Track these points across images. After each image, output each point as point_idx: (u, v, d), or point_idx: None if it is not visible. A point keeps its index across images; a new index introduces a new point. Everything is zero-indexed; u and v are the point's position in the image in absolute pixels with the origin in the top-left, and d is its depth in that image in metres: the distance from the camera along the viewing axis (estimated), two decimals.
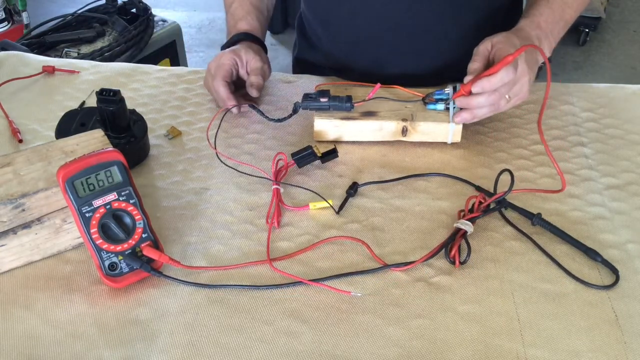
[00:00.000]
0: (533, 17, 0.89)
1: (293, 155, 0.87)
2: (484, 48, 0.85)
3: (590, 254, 0.74)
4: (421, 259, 0.72)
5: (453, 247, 0.72)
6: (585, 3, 0.94)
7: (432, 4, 0.97)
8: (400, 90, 0.94)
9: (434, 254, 0.73)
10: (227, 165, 0.87)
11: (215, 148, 0.89)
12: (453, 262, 0.72)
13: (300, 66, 1.18)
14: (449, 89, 0.91)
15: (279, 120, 0.92)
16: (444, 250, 0.74)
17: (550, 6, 0.90)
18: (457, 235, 0.74)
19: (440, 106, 0.90)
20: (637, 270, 0.73)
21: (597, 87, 1.05)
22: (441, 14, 0.98)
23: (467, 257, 0.73)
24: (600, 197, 0.83)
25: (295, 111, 0.91)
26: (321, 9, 1.08)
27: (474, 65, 0.84)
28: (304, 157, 0.87)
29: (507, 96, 0.83)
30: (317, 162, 0.88)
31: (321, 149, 0.88)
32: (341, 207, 0.81)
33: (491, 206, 0.78)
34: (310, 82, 1.05)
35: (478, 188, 0.83)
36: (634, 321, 0.67)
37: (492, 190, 0.81)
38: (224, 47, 0.99)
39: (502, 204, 0.79)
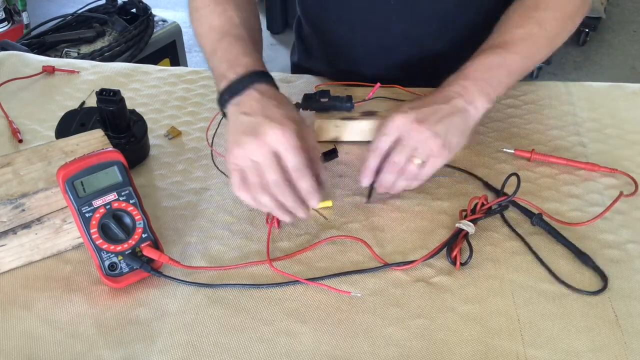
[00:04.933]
0: (460, 71, 0.78)
1: None
2: None
3: (583, 258, 0.73)
4: (422, 259, 0.72)
5: (455, 248, 0.72)
6: (548, 52, 0.82)
7: (434, 21, 0.96)
8: (400, 90, 0.94)
9: (434, 253, 0.73)
10: (219, 170, 0.87)
11: (212, 146, 0.88)
12: (454, 263, 0.72)
13: (299, 73, 1.17)
14: None
15: None
16: (445, 250, 0.73)
17: (485, 54, 0.78)
18: (459, 236, 0.73)
19: None
20: (637, 270, 0.73)
21: (597, 87, 1.05)
22: (441, 28, 0.97)
23: (468, 258, 0.72)
24: (601, 197, 0.83)
25: None
26: (321, 30, 1.06)
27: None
28: None
29: (416, 161, 0.73)
30: None
31: (321, 149, 0.88)
32: (369, 196, 0.81)
33: (493, 207, 0.78)
34: (310, 82, 1.05)
35: (486, 184, 0.83)
36: (634, 321, 0.67)
37: (495, 189, 0.81)
38: (225, 93, 0.73)
39: (505, 206, 0.78)
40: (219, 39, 0.77)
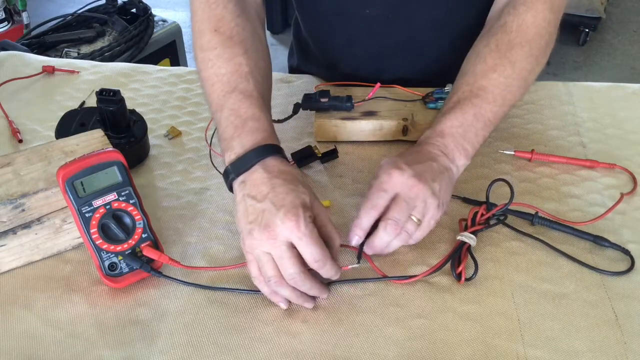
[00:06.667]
0: (435, 126, 0.75)
1: (293, 155, 0.87)
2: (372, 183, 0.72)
3: (598, 241, 0.75)
4: (423, 274, 0.71)
5: (460, 265, 0.70)
6: (521, 93, 0.79)
7: (430, 30, 0.96)
8: (400, 90, 0.94)
9: (437, 268, 0.71)
10: (218, 170, 0.86)
11: (211, 146, 0.88)
12: (459, 278, 0.70)
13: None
14: (448, 88, 0.91)
15: (280, 121, 0.92)
16: (449, 264, 0.72)
17: (461, 107, 0.75)
18: (463, 249, 0.72)
19: (441, 104, 0.90)
20: (637, 270, 0.73)
21: (597, 87, 1.05)
22: (438, 34, 0.97)
23: (473, 274, 0.71)
24: (600, 197, 0.83)
25: (295, 112, 0.91)
26: (319, 39, 1.06)
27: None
28: (304, 157, 0.87)
29: (414, 218, 0.69)
30: (317, 162, 0.88)
31: (321, 149, 0.88)
32: (359, 257, 0.71)
33: (492, 217, 0.77)
34: (310, 82, 1.05)
35: (465, 200, 0.81)
36: (634, 321, 0.67)
37: (477, 199, 0.80)
38: (230, 172, 0.69)
39: (504, 216, 0.78)
40: (226, 94, 0.73)
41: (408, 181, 0.68)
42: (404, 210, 0.68)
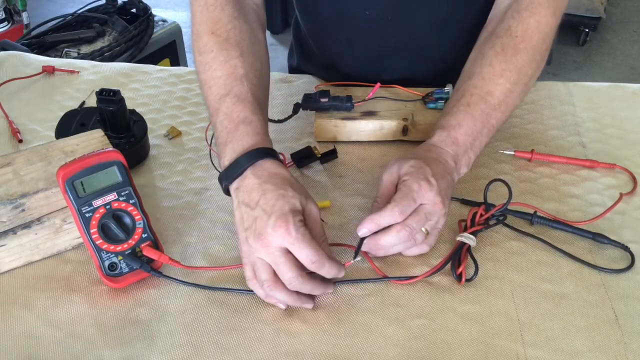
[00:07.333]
0: (450, 130, 0.75)
1: (293, 155, 0.87)
2: (389, 181, 0.72)
3: (598, 238, 0.75)
4: (423, 275, 0.71)
5: (460, 265, 0.70)
6: (522, 98, 0.81)
7: (430, 30, 0.96)
8: (400, 90, 0.94)
9: (438, 269, 0.71)
10: (217, 170, 0.87)
11: (211, 146, 0.88)
12: (459, 279, 0.70)
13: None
14: (448, 88, 0.91)
15: (279, 121, 0.92)
16: (450, 265, 0.72)
17: (472, 113, 0.76)
18: (463, 250, 0.72)
19: (441, 105, 0.90)
20: (637, 270, 0.73)
21: (597, 87, 1.05)
22: (438, 35, 0.96)
23: (474, 275, 0.71)
24: (601, 197, 0.83)
25: (295, 112, 0.91)
26: (319, 41, 1.05)
27: (375, 208, 0.71)
28: (304, 157, 0.87)
29: (423, 230, 0.70)
30: (317, 162, 0.88)
31: (321, 149, 0.88)
32: (357, 252, 0.70)
33: (492, 218, 0.77)
34: (310, 82, 1.05)
35: (463, 201, 0.81)
36: (634, 321, 0.67)
37: (478, 198, 0.80)
38: (224, 178, 0.70)
39: (503, 216, 0.77)
40: (221, 98, 0.74)
41: (435, 198, 0.69)
42: (422, 222, 0.69)
